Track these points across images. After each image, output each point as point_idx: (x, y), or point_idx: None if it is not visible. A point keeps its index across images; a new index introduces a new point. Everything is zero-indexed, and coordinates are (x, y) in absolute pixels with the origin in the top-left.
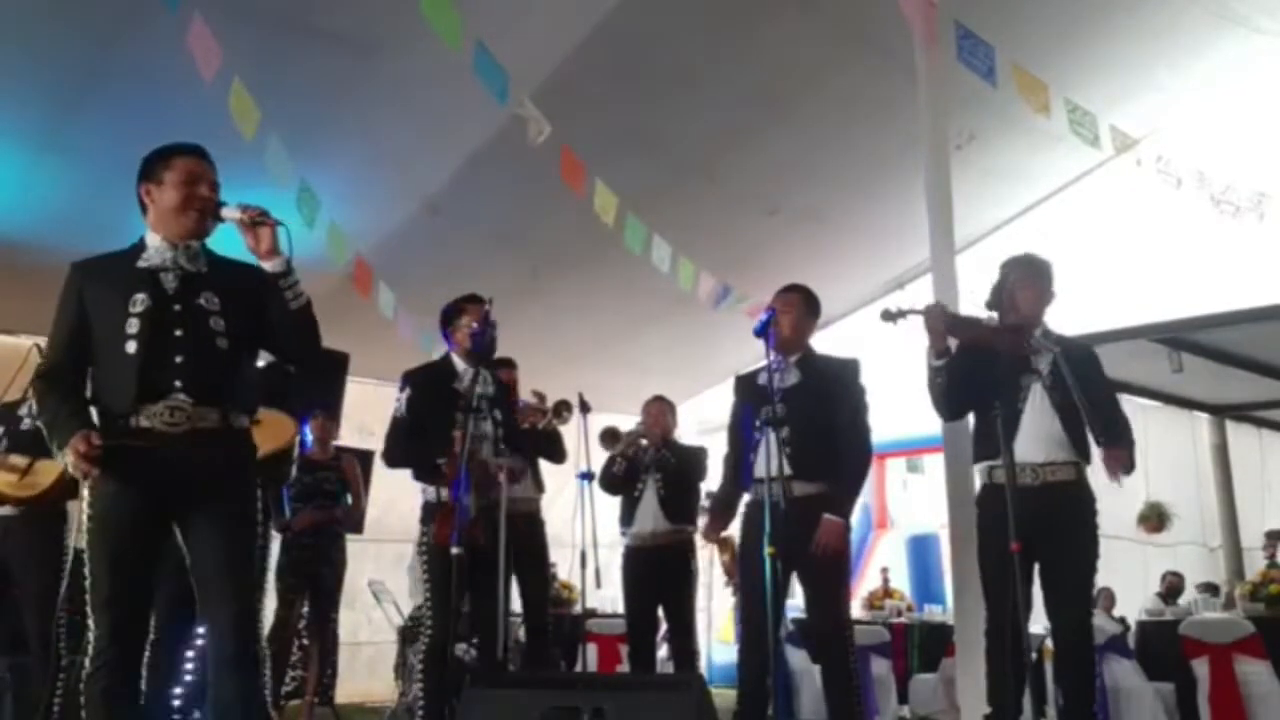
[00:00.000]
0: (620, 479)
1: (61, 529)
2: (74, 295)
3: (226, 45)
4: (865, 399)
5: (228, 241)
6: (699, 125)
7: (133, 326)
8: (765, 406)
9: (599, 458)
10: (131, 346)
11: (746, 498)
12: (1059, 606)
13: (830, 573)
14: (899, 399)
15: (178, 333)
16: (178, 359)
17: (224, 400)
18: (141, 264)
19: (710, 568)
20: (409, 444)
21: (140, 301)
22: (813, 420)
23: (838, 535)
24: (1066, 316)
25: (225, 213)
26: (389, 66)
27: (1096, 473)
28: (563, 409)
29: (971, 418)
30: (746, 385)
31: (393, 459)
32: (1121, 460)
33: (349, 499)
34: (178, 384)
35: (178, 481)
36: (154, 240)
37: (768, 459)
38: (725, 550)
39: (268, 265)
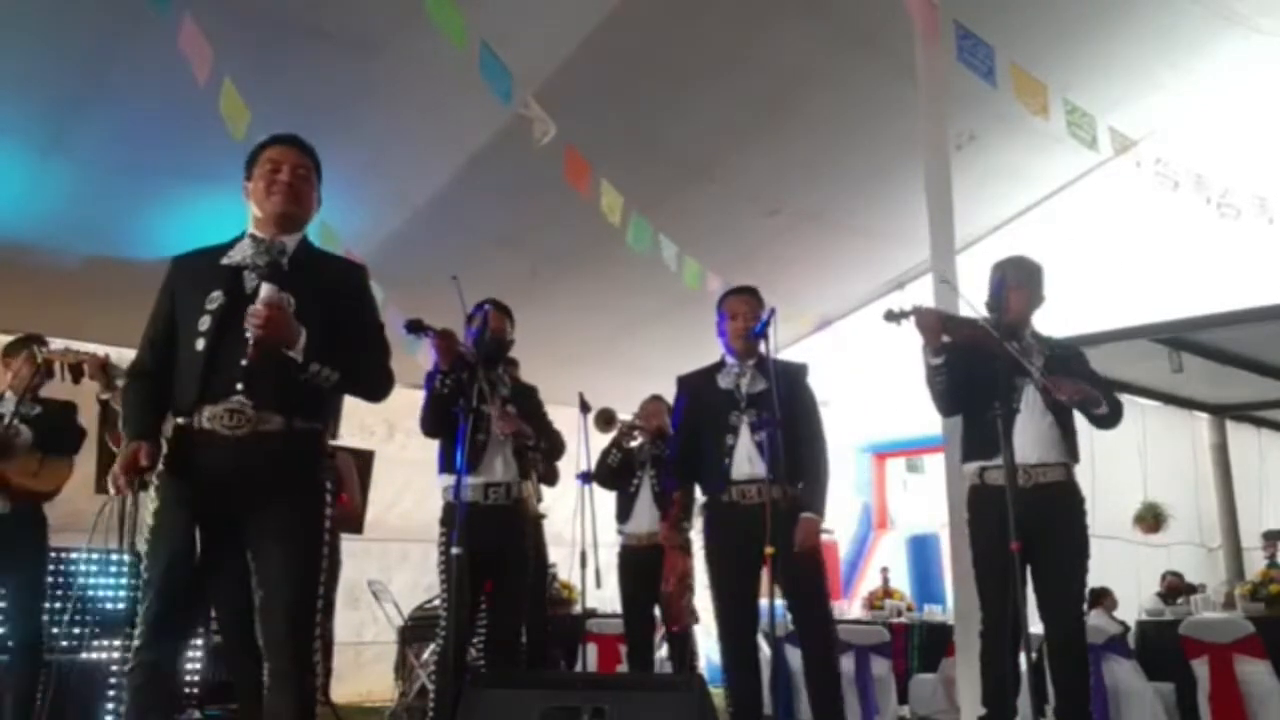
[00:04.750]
0: (616, 471)
1: (44, 530)
2: (167, 291)
3: (223, 46)
4: (816, 402)
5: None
6: (699, 126)
7: (205, 324)
8: (733, 411)
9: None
10: (200, 344)
11: (702, 499)
12: (1053, 606)
13: (813, 569)
14: (899, 399)
15: (249, 334)
16: (244, 361)
17: (287, 407)
18: (225, 261)
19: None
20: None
21: (215, 299)
22: (784, 424)
23: (817, 533)
24: (1067, 317)
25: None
26: (387, 67)
27: (1084, 473)
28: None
29: (961, 418)
30: (703, 387)
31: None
32: (1073, 387)
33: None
34: (239, 386)
35: (238, 484)
36: (246, 237)
37: (751, 462)
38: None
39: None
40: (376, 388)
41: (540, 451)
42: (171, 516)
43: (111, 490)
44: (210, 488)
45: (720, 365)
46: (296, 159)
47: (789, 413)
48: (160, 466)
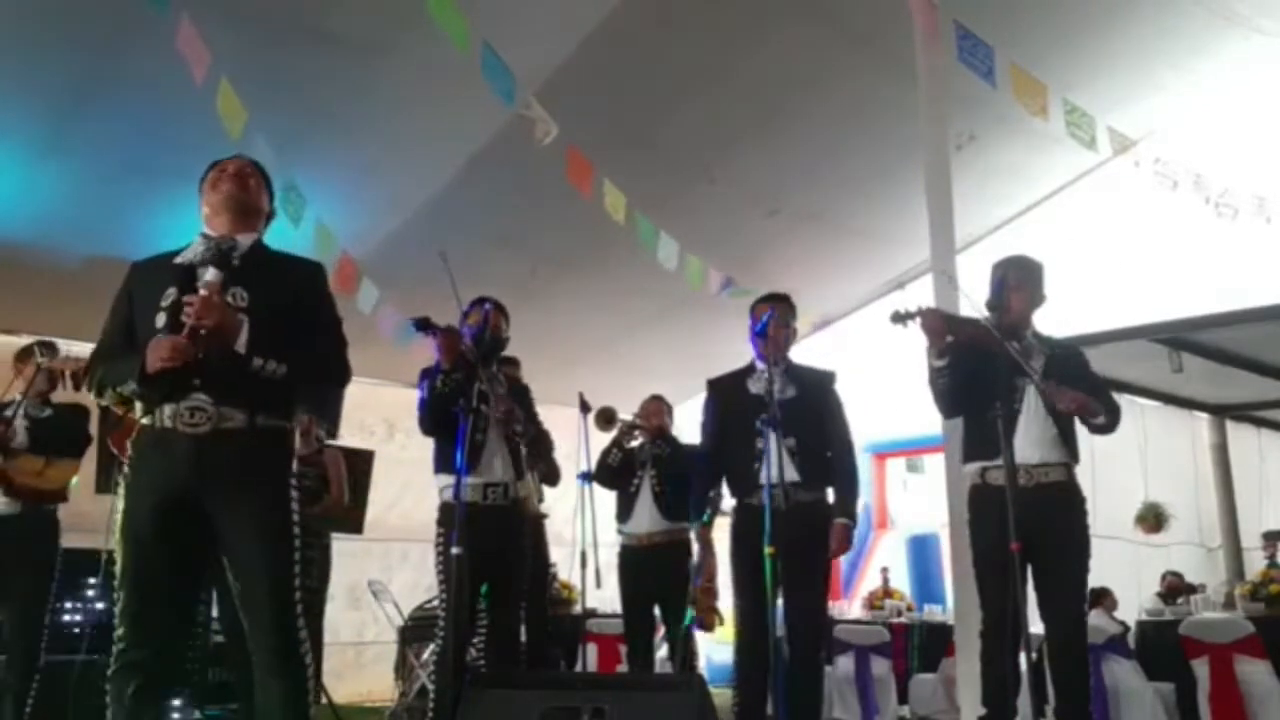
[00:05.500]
0: (616, 471)
1: (56, 531)
2: (125, 293)
3: (222, 47)
4: (844, 409)
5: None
6: (699, 126)
7: (160, 321)
8: (763, 415)
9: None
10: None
11: (731, 501)
12: (1054, 607)
13: (818, 570)
14: (899, 399)
15: (202, 331)
16: (199, 356)
17: (248, 403)
18: (178, 260)
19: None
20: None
21: (169, 296)
22: (813, 431)
23: (850, 539)
24: (1067, 317)
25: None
26: (386, 68)
27: (1084, 474)
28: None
29: (962, 418)
30: (733, 391)
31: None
32: (1073, 397)
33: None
34: (196, 382)
35: (203, 482)
36: (199, 238)
37: (780, 466)
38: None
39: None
40: (331, 379)
41: (524, 439)
42: (138, 515)
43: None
44: (177, 486)
45: (751, 370)
46: (241, 162)
47: (817, 419)
48: (126, 467)
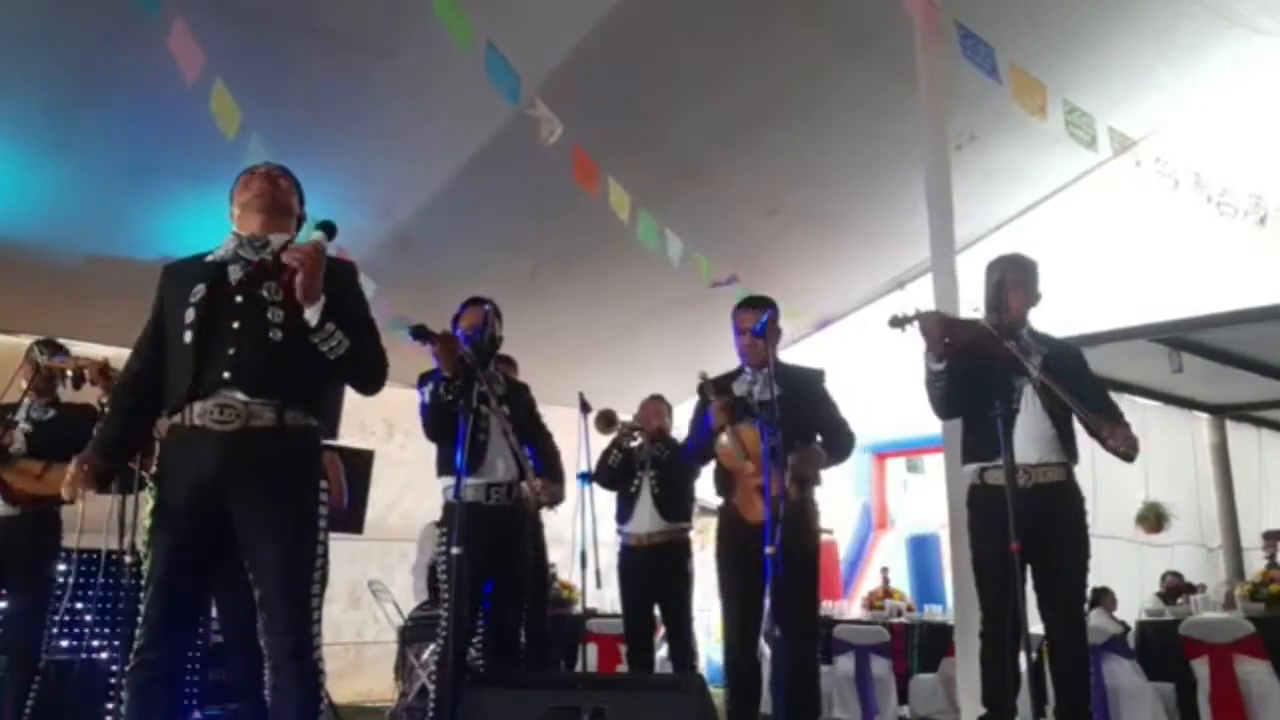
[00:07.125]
0: (616, 472)
1: (59, 532)
2: (157, 297)
3: (218, 46)
4: (831, 399)
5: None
6: (699, 125)
7: (189, 316)
8: (744, 418)
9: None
10: (188, 336)
11: (719, 503)
12: (1054, 607)
13: (801, 566)
14: (899, 399)
15: (234, 324)
16: (230, 350)
17: (279, 395)
18: (210, 259)
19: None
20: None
21: (198, 292)
22: (794, 429)
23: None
24: (1067, 317)
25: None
26: (386, 68)
27: (1084, 473)
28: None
29: (961, 418)
30: (723, 391)
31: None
32: (1126, 435)
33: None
34: (226, 376)
35: (230, 481)
36: (231, 235)
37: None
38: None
39: (306, 312)
40: (374, 375)
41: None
42: (168, 515)
43: (66, 495)
44: (204, 485)
45: (739, 373)
46: (271, 166)
47: (801, 417)
48: (155, 466)
